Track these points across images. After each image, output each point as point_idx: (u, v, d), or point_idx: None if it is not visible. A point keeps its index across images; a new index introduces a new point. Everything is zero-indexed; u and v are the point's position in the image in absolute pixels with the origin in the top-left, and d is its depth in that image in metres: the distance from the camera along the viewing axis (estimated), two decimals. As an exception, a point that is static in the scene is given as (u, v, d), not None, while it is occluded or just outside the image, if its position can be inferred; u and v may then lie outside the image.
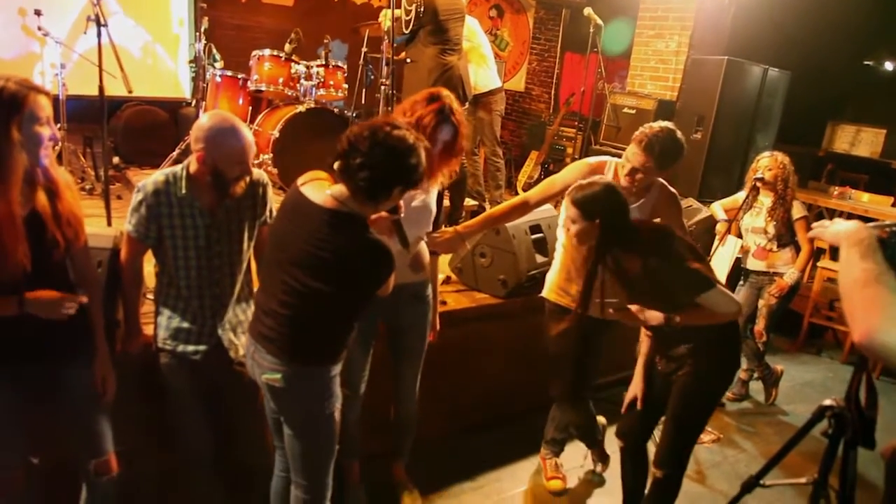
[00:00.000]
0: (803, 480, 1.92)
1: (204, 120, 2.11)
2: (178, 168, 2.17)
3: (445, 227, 2.76)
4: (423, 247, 2.53)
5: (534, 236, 3.50)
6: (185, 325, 2.24)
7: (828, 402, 1.81)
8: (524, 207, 2.82)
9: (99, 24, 2.94)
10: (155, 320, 2.31)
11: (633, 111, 6.41)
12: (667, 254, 2.26)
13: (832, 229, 1.45)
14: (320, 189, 1.94)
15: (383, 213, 2.02)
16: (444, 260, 3.39)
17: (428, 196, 2.46)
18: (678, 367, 2.45)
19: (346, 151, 1.87)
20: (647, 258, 2.25)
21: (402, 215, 2.07)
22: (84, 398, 2.05)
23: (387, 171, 1.86)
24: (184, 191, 2.13)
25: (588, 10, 5.35)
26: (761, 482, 1.98)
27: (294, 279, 1.90)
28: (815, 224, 1.62)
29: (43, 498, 2.15)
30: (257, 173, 2.29)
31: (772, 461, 1.97)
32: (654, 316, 2.33)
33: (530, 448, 3.42)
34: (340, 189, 1.90)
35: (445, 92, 2.45)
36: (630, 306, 2.38)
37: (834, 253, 5.64)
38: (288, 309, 1.94)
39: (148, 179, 2.14)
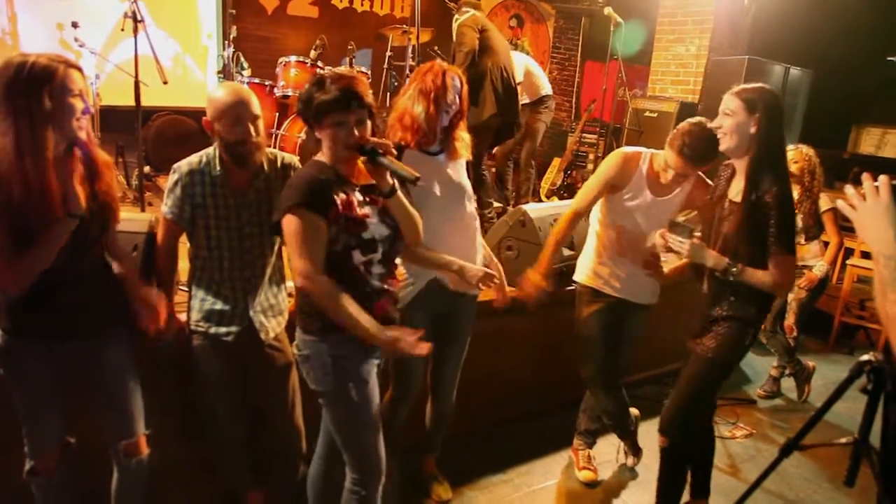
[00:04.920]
0: (843, 441, 1.88)
1: (212, 90, 2.23)
2: (210, 149, 2.22)
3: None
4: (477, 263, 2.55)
5: (560, 229, 3.50)
6: (218, 306, 2.26)
7: (865, 357, 1.78)
8: (578, 217, 2.80)
9: (136, 20, 3.02)
10: (188, 303, 2.35)
11: (655, 114, 6.42)
12: (790, 193, 2.27)
13: (858, 222, 1.34)
14: None
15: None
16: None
17: (457, 173, 2.49)
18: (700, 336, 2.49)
19: None
20: (782, 186, 2.23)
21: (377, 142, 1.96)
22: (118, 377, 2.07)
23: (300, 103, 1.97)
24: (217, 170, 2.18)
25: (608, 10, 5.40)
26: (800, 444, 1.94)
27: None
28: (844, 195, 1.56)
29: (77, 479, 2.17)
30: (289, 158, 2.34)
31: (810, 422, 1.94)
32: (719, 259, 2.32)
33: (560, 443, 3.40)
34: None
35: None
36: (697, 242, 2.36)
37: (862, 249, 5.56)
38: None
39: (183, 161, 2.20)
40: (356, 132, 1.90)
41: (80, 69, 1.84)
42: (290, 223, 1.87)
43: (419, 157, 2.38)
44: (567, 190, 7.03)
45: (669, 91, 6.72)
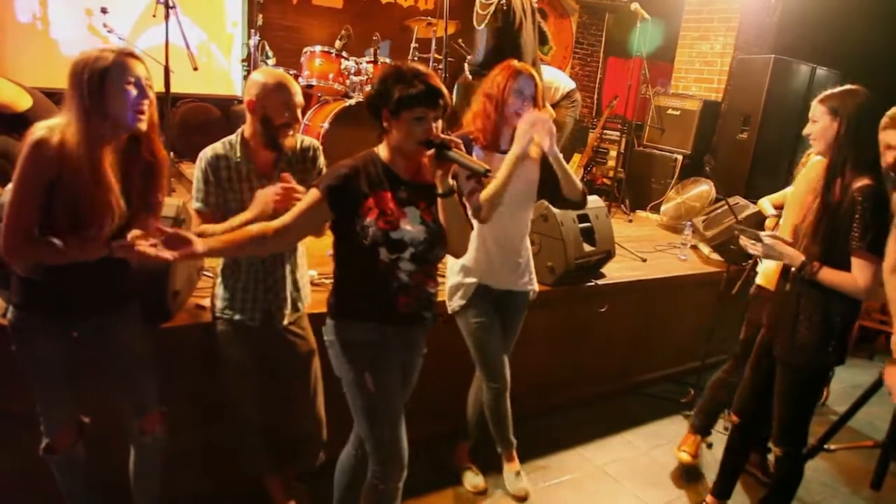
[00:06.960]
0: (870, 443, 1.86)
1: (256, 73, 2.24)
2: (232, 136, 2.25)
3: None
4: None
5: (581, 225, 3.50)
6: (241, 292, 2.29)
7: (896, 360, 1.76)
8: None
9: (167, 6, 3.04)
10: (213, 290, 2.38)
11: (678, 112, 6.38)
12: (884, 193, 2.18)
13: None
14: None
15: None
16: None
17: (527, 171, 2.50)
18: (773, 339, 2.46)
19: None
20: (875, 183, 2.16)
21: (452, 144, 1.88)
22: (131, 355, 2.09)
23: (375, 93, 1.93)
24: (239, 155, 2.21)
25: (635, 5, 5.36)
26: (826, 446, 1.92)
27: None
28: None
29: (96, 458, 2.20)
30: (309, 140, 2.37)
31: (837, 423, 1.92)
32: (794, 256, 2.30)
33: (576, 440, 3.42)
34: None
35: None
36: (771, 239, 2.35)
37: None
38: None
39: (207, 147, 2.23)
40: (434, 129, 1.88)
41: (142, 60, 1.90)
42: (308, 195, 1.93)
43: (481, 156, 2.45)
44: (586, 186, 7.00)
45: (693, 89, 6.67)
